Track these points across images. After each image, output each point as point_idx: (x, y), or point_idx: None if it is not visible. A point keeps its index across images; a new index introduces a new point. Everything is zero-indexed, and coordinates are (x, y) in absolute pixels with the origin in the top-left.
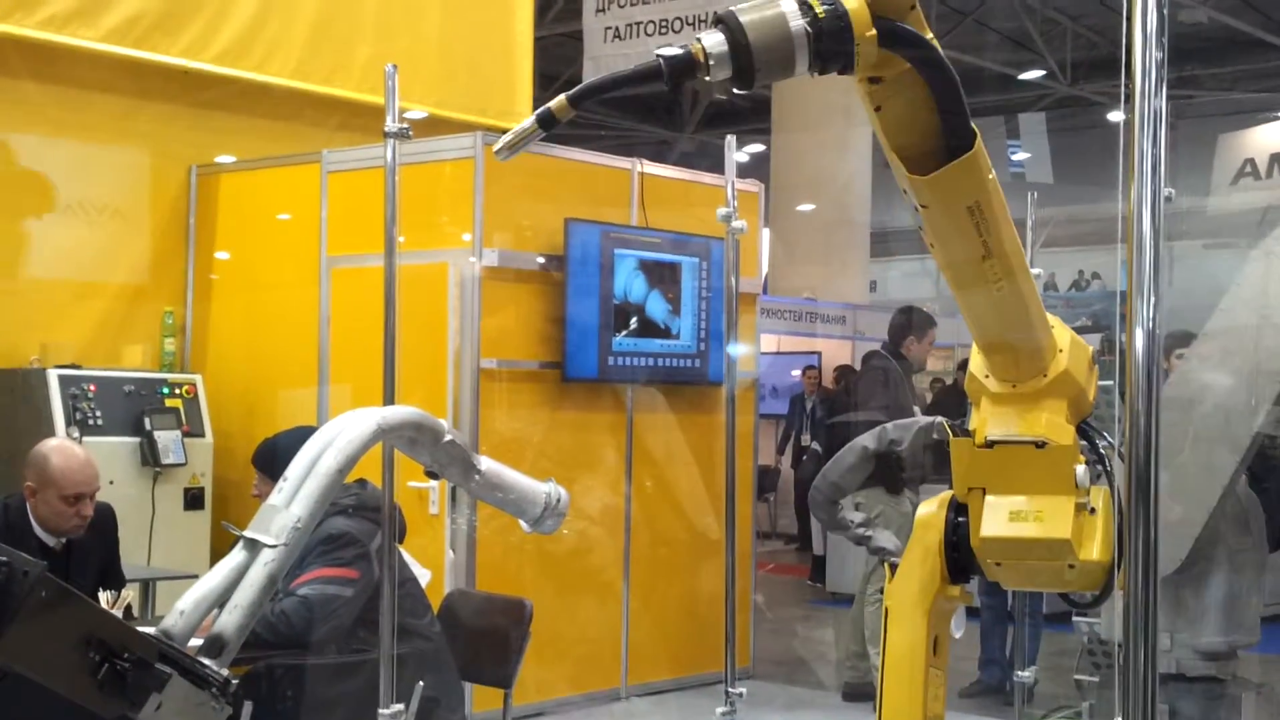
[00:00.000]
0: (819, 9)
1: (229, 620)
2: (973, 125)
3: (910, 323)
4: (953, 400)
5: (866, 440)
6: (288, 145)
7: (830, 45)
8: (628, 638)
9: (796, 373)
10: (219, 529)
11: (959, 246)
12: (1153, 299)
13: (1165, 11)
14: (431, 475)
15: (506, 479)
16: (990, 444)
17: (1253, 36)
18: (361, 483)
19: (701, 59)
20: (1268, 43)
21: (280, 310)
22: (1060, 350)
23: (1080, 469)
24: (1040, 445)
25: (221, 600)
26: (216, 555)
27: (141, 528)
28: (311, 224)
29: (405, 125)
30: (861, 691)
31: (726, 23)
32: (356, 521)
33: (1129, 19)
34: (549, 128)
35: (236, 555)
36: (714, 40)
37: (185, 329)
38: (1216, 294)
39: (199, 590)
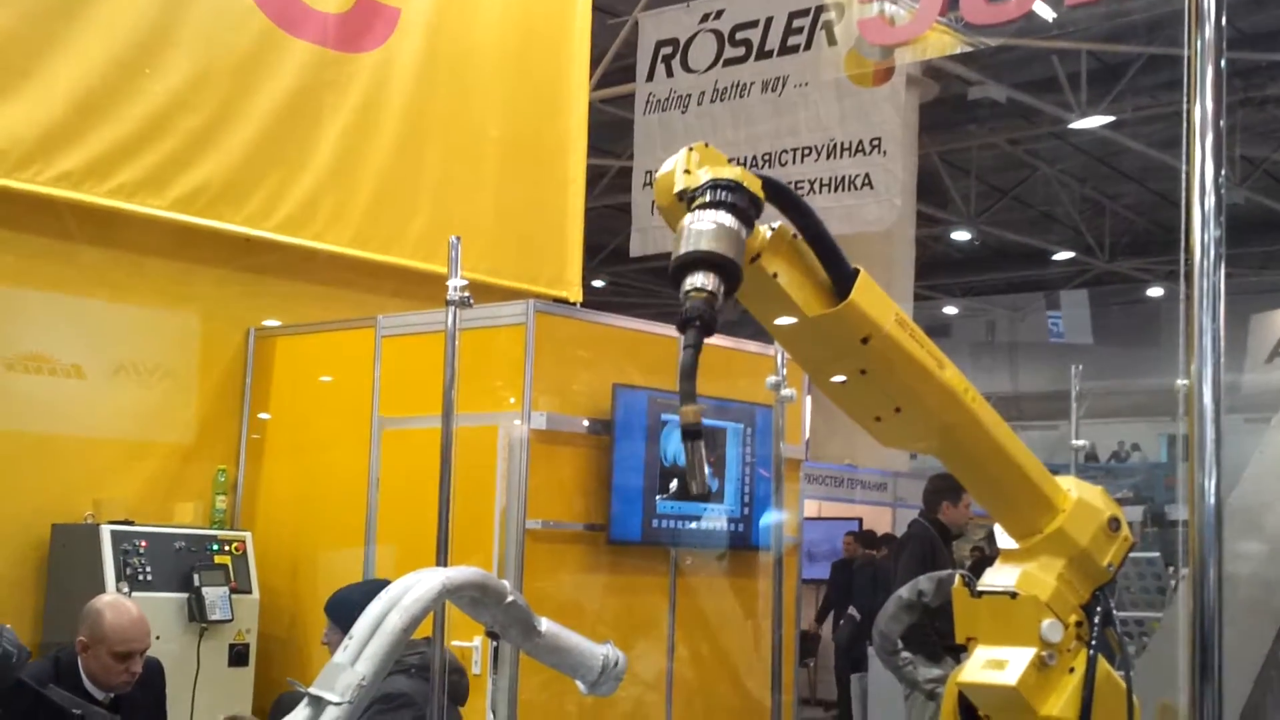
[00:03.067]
0: (725, 196)
1: None
2: (847, 260)
3: (944, 488)
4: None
5: (903, 590)
6: (342, 310)
7: (749, 209)
8: None
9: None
10: (262, 686)
11: (915, 369)
12: (1215, 472)
13: (1223, 193)
14: (493, 636)
15: (565, 641)
16: (979, 594)
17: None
18: (428, 640)
19: (712, 295)
20: None
21: (331, 470)
22: (1061, 510)
23: (1048, 623)
24: (1013, 595)
25: None
26: (259, 712)
27: (185, 683)
28: (364, 386)
29: (467, 294)
30: None
31: (699, 261)
32: (417, 682)
33: (1188, 198)
34: (699, 436)
35: (301, 712)
36: (704, 279)
37: (237, 487)
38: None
39: None
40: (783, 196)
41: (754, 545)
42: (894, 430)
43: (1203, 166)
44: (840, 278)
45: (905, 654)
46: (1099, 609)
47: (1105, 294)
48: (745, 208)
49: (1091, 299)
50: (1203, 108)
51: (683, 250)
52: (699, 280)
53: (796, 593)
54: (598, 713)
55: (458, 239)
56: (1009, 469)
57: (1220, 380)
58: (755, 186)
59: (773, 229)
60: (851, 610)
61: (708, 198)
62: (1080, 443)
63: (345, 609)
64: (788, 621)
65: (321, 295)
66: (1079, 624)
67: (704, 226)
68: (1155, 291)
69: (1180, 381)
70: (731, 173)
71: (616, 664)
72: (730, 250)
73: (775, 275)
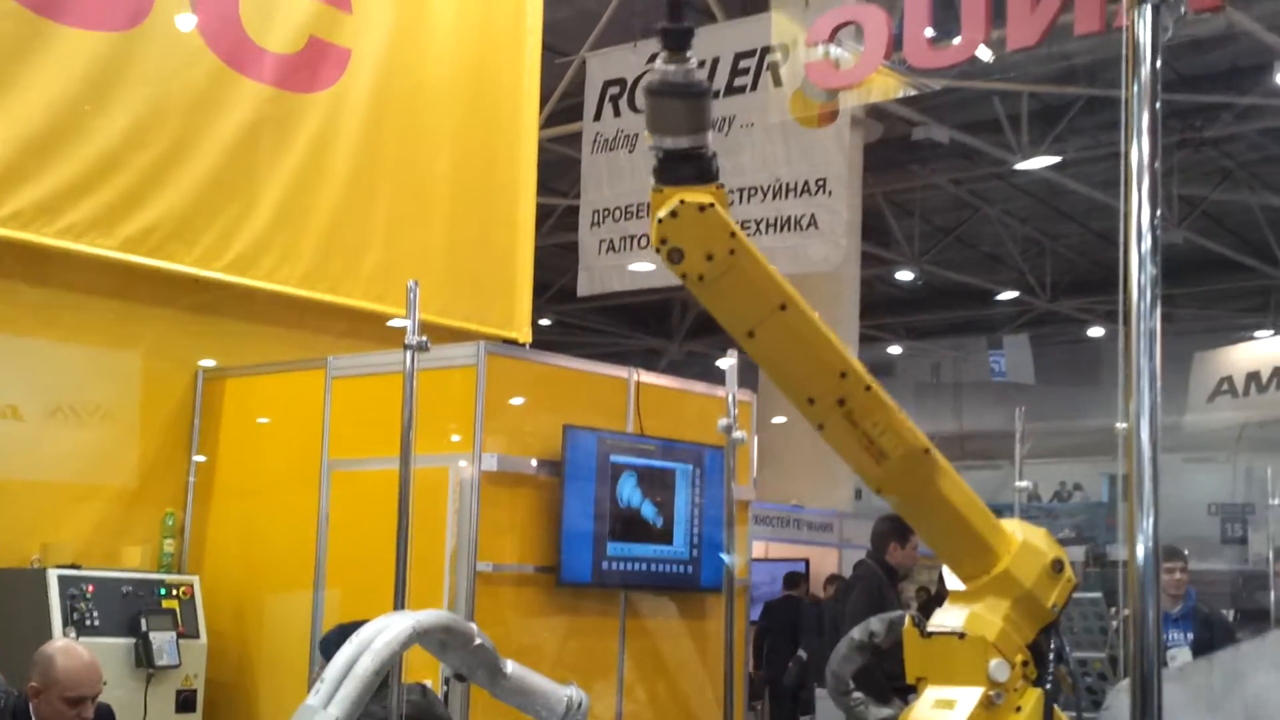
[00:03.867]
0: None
1: None
2: None
3: (891, 530)
4: (935, 609)
5: (854, 631)
6: (292, 350)
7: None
8: None
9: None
10: None
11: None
12: (1152, 511)
13: (1159, 234)
14: (459, 678)
15: (531, 683)
16: (928, 635)
17: (1227, 258)
18: (423, 689)
19: None
20: (1241, 264)
21: (280, 512)
22: (1006, 553)
23: (995, 662)
24: (961, 636)
25: None
26: None
27: None
28: (314, 428)
29: (424, 339)
30: None
31: None
32: None
33: (1125, 241)
34: None
35: None
36: None
37: (184, 530)
38: (1198, 506)
39: None
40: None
41: (703, 586)
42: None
43: (1139, 209)
44: None
45: (857, 694)
46: (1052, 647)
47: (1047, 334)
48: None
49: (1034, 339)
50: (1139, 151)
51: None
52: None
53: (746, 634)
54: None
55: (415, 284)
56: (956, 514)
57: (1158, 421)
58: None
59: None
60: (801, 653)
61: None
62: (1023, 484)
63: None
64: (738, 663)
65: (271, 335)
66: (1024, 664)
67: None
68: (1096, 331)
69: (1120, 425)
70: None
71: (580, 705)
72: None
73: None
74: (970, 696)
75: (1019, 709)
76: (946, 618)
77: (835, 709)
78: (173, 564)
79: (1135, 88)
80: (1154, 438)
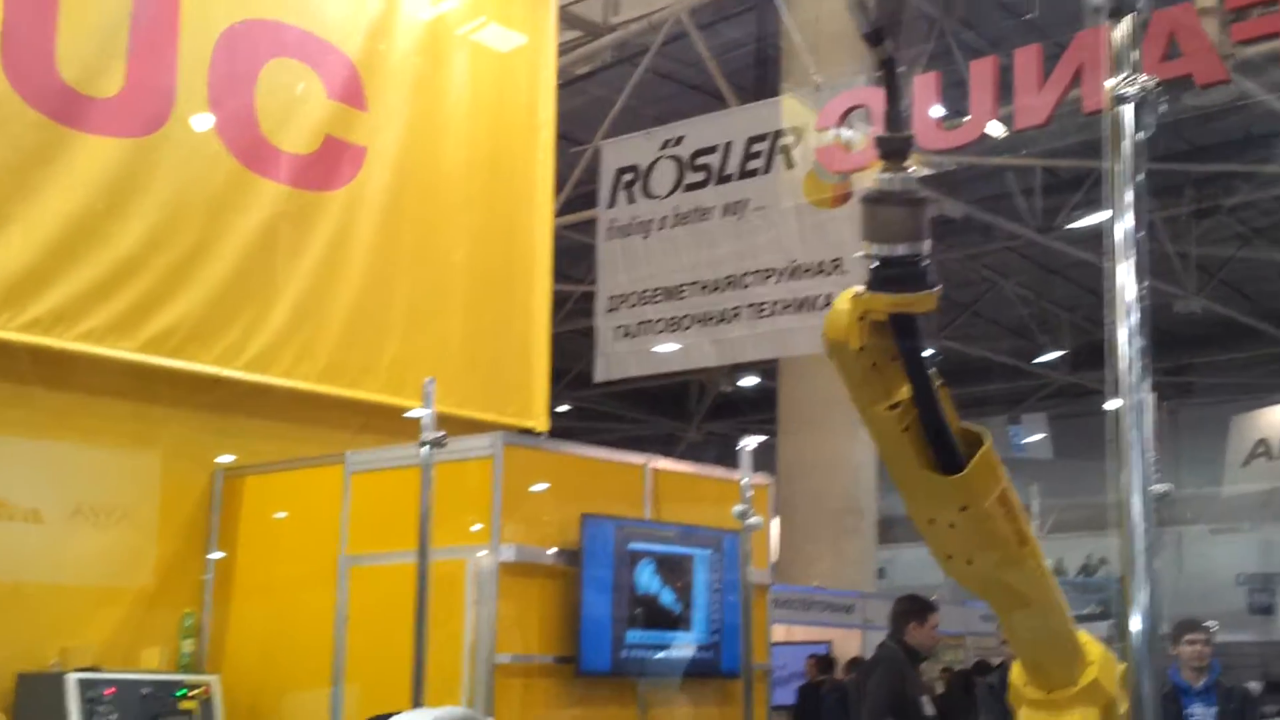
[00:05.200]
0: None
1: None
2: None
3: (910, 610)
4: (960, 690)
5: None
6: (310, 446)
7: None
8: None
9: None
10: None
11: (998, 542)
12: (1146, 586)
13: (1146, 305)
14: None
15: None
16: None
17: (1246, 324)
18: None
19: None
20: (1259, 330)
21: (298, 609)
22: (1091, 662)
23: None
24: None
25: None
26: None
27: None
28: (332, 523)
29: (442, 433)
30: None
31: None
32: None
33: (1113, 314)
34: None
35: None
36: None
37: (202, 630)
38: (1224, 578)
39: None
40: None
41: (723, 672)
42: (961, 573)
43: (1125, 284)
44: (946, 455)
45: None
46: None
47: (1070, 407)
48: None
49: (1056, 412)
50: (1124, 226)
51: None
52: None
53: (768, 718)
54: None
55: (433, 380)
56: (1054, 632)
57: (1149, 493)
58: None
59: None
60: None
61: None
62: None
63: None
64: None
65: (289, 432)
66: None
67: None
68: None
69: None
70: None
71: None
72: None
73: (906, 429)
74: None
75: None
76: None
77: None
78: (191, 664)
79: (1118, 165)
80: (1146, 509)
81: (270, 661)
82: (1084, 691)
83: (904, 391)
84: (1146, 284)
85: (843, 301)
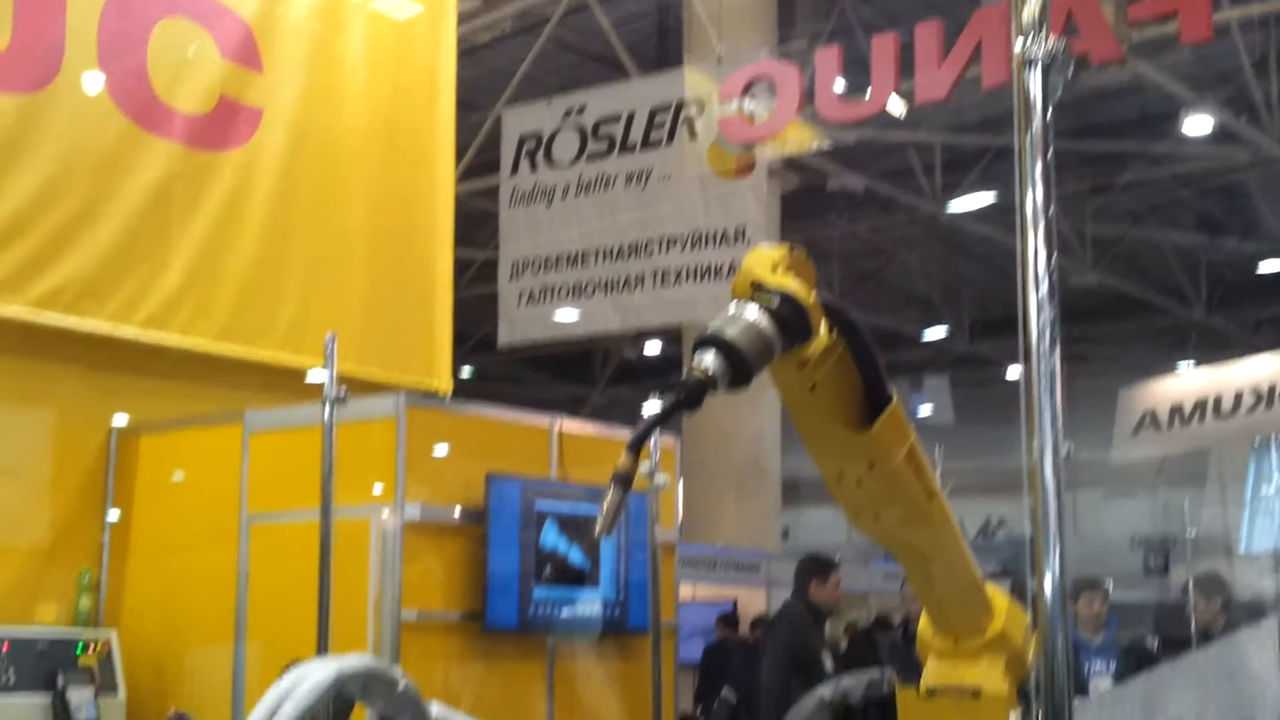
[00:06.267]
0: (771, 302)
1: None
2: (888, 385)
3: (811, 568)
4: (862, 647)
5: (823, 690)
6: (208, 405)
7: (794, 324)
8: None
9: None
10: None
11: (905, 497)
12: (1057, 546)
13: (1055, 278)
14: None
15: None
16: (930, 693)
17: (1138, 298)
18: None
19: (710, 378)
20: (1152, 304)
21: (199, 566)
22: (999, 613)
23: (1013, 716)
24: (975, 694)
25: None
26: None
27: None
28: (232, 482)
29: (343, 390)
30: None
31: (716, 343)
32: None
33: (1023, 283)
34: (629, 485)
35: None
36: (713, 361)
37: (100, 586)
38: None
39: None
40: (842, 321)
41: (631, 629)
42: (870, 528)
43: (1035, 255)
44: (874, 403)
45: None
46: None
47: (968, 376)
48: (790, 322)
49: (955, 381)
50: (1033, 199)
51: (713, 325)
52: (708, 361)
53: (675, 675)
54: None
55: (333, 336)
56: (963, 579)
57: (1060, 456)
58: (816, 315)
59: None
60: (727, 693)
61: (763, 299)
62: None
63: None
64: (667, 705)
65: (186, 391)
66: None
67: (743, 318)
68: (1014, 373)
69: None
70: (798, 289)
71: None
72: (751, 349)
73: (813, 388)
74: None
75: None
76: (945, 676)
77: None
78: (89, 620)
79: (1027, 139)
80: (1057, 473)
81: (171, 618)
82: (991, 642)
83: (811, 349)
84: (1056, 253)
85: (752, 261)
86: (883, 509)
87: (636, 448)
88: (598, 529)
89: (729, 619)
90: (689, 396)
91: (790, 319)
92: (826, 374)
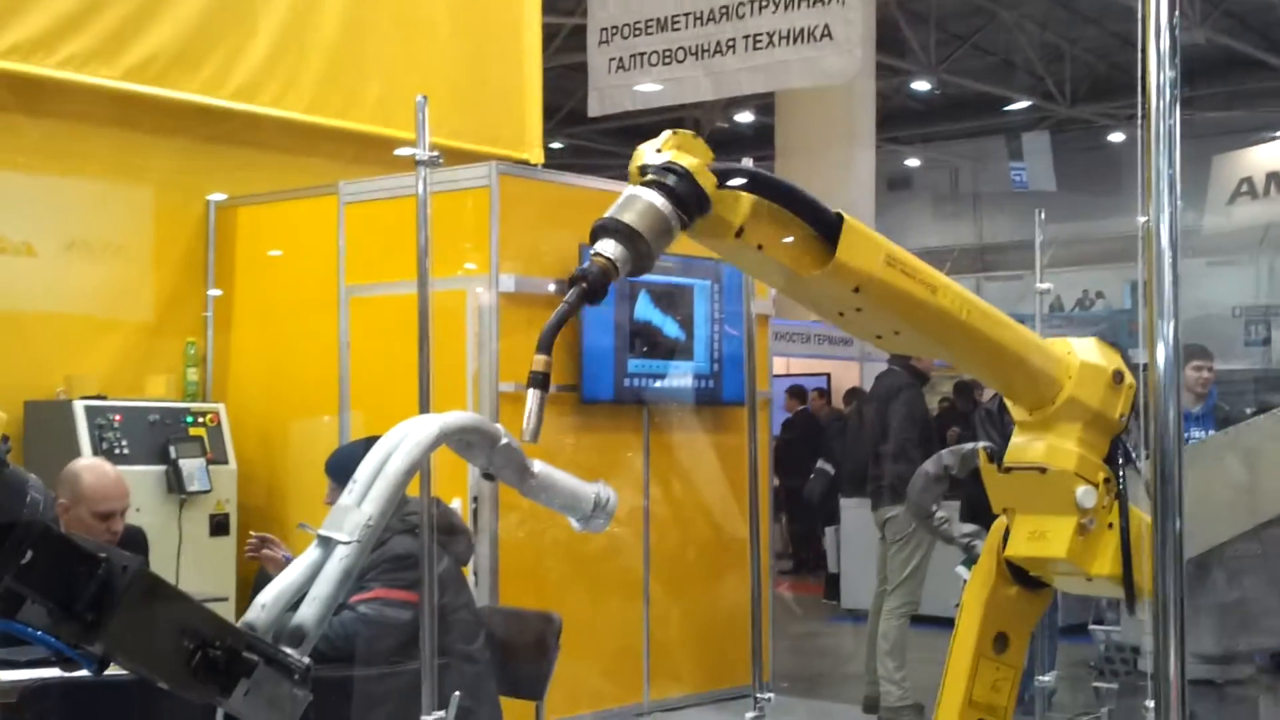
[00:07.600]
0: (668, 180)
1: (308, 612)
2: (828, 209)
3: None
4: (953, 419)
5: (929, 466)
6: (303, 178)
7: (687, 197)
8: (649, 654)
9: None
10: (244, 554)
11: (908, 302)
12: (1172, 317)
13: (1178, 33)
14: (488, 477)
15: (558, 480)
16: (1007, 470)
17: (1250, 56)
18: (435, 501)
19: (611, 266)
20: (1265, 62)
21: (299, 339)
22: (1069, 377)
23: (1081, 490)
24: (1041, 471)
25: (300, 595)
26: (242, 581)
27: (168, 554)
28: (329, 254)
29: (437, 154)
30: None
31: (614, 229)
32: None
33: (1143, 40)
34: (546, 385)
35: (312, 553)
36: (612, 248)
37: (207, 359)
38: (1222, 309)
39: (278, 585)
40: (751, 181)
41: (725, 401)
42: (896, 345)
43: (1157, 8)
44: (827, 234)
45: (940, 514)
46: (1120, 458)
47: (1067, 140)
48: (685, 196)
49: (1054, 145)
50: None
51: (607, 213)
52: (607, 247)
53: (770, 446)
54: (575, 570)
55: (424, 98)
56: (1009, 361)
57: (1177, 223)
58: (709, 183)
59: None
60: (822, 464)
61: (652, 177)
62: (1044, 286)
63: (345, 466)
64: (762, 475)
65: (280, 163)
66: (1107, 480)
67: (636, 200)
68: (1117, 137)
69: (1140, 219)
70: (688, 162)
71: (608, 501)
72: (649, 231)
73: (760, 247)
74: (1064, 527)
75: (1111, 526)
76: (1021, 451)
77: (859, 519)
78: (198, 393)
79: None
80: (1174, 240)
81: (275, 390)
82: (1062, 409)
83: (736, 216)
84: (1179, 12)
85: (637, 152)
86: (897, 324)
87: (546, 347)
88: (525, 434)
89: (797, 391)
90: (592, 288)
91: (682, 192)
92: (765, 231)
